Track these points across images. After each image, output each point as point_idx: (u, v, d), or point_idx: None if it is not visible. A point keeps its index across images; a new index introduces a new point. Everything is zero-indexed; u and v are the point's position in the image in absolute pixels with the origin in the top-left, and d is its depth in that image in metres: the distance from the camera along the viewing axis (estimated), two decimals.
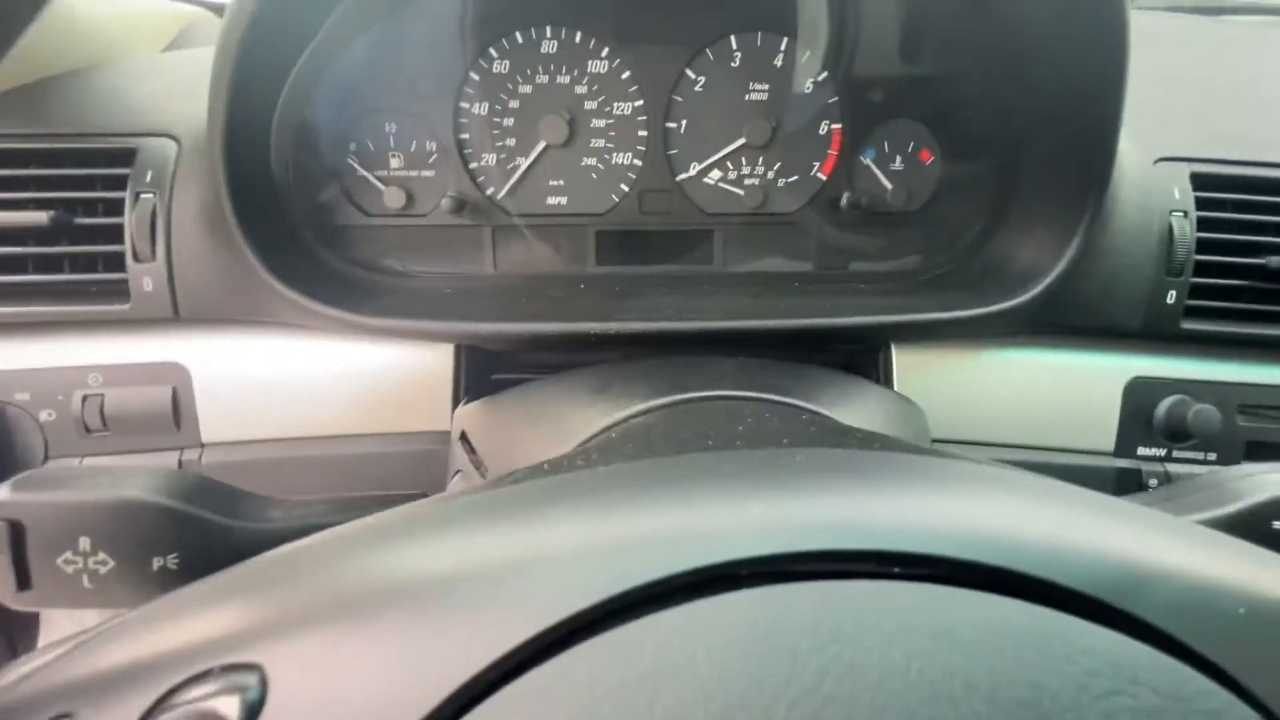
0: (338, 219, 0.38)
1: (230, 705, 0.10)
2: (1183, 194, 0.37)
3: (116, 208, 0.35)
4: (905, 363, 0.40)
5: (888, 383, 0.39)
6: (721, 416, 0.23)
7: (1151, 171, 0.38)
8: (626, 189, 0.40)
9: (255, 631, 0.11)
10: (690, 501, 0.13)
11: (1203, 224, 0.37)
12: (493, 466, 0.29)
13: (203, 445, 0.38)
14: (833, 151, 0.40)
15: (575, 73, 0.38)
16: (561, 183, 0.39)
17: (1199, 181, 0.38)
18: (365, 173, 0.38)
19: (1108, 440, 0.40)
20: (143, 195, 0.34)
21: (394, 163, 0.38)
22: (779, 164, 0.40)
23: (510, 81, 0.38)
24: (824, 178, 0.41)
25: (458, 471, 0.31)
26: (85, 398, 0.36)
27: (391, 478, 0.36)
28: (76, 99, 0.38)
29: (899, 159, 0.41)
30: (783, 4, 0.38)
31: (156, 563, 0.20)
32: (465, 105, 0.38)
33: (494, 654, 0.10)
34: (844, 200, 0.41)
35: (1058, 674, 0.10)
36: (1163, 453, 0.39)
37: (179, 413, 0.37)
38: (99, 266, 0.35)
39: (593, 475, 0.15)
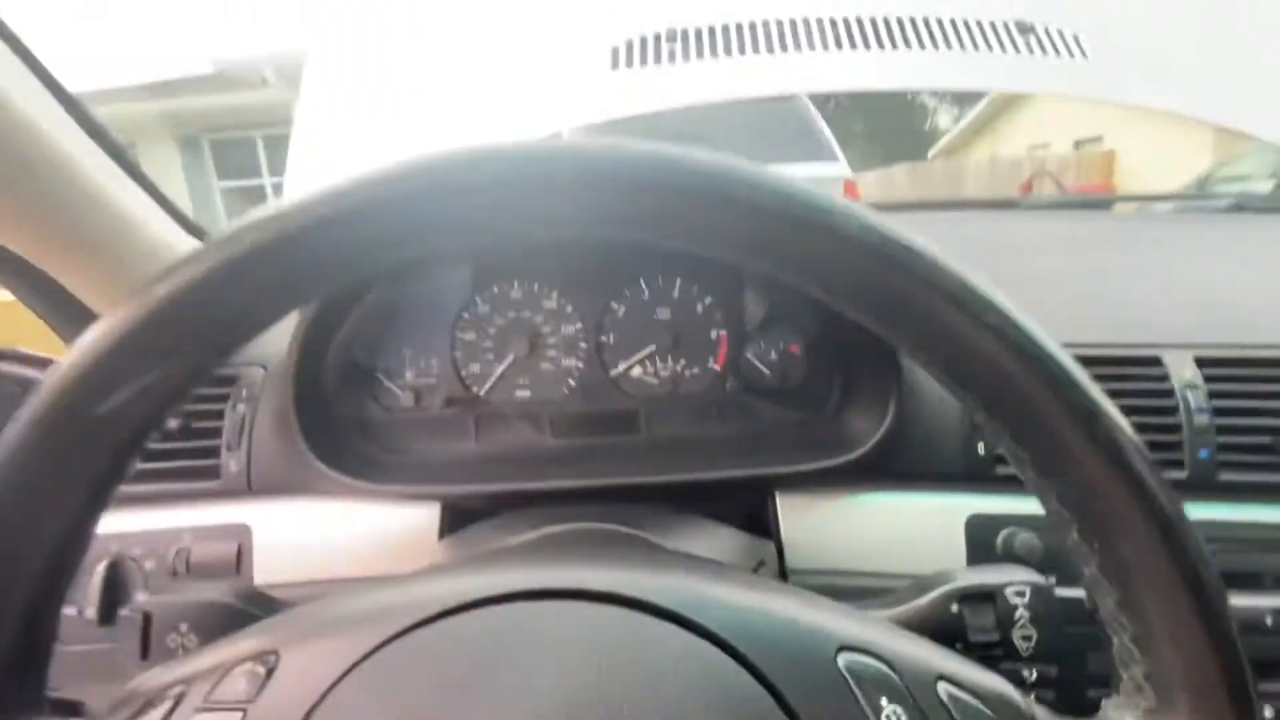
0: (366, 415, 0.54)
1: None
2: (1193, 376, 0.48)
3: (219, 414, 0.52)
4: (789, 505, 0.50)
5: (776, 522, 0.49)
6: (577, 538, 0.35)
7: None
8: (573, 383, 0.55)
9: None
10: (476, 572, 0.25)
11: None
12: None
13: (256, 587, 0.50)
14: (721, 350, 0.55)
15: (534, 308, 0.56)
16: (525, 381, 0.55)
17: (1203, 364, 0.48)
18: (389, 384, 0.54)
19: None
20: (238, 406, 0.51)
21: (409, 375, 0.55)
22: (683, 360, 0.55)
23: (490, 317, 0.56)
24: (718, 369, 0.55)
25: None
26: (177, 551, 0.50)
27: None
28: None
29: (773, 353, 0.55)
30: (676, 259, 0.56)
31: None
32: (459, 334, 0.55)
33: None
34: (730, 384, 0.55)
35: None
36: None
37: (240, 561, 0.50)
38: (201, 455, 0.51)
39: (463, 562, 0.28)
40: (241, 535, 0.50)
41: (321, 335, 0.51)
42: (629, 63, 1.04)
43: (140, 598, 0.33)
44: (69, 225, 0.46)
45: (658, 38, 1.06)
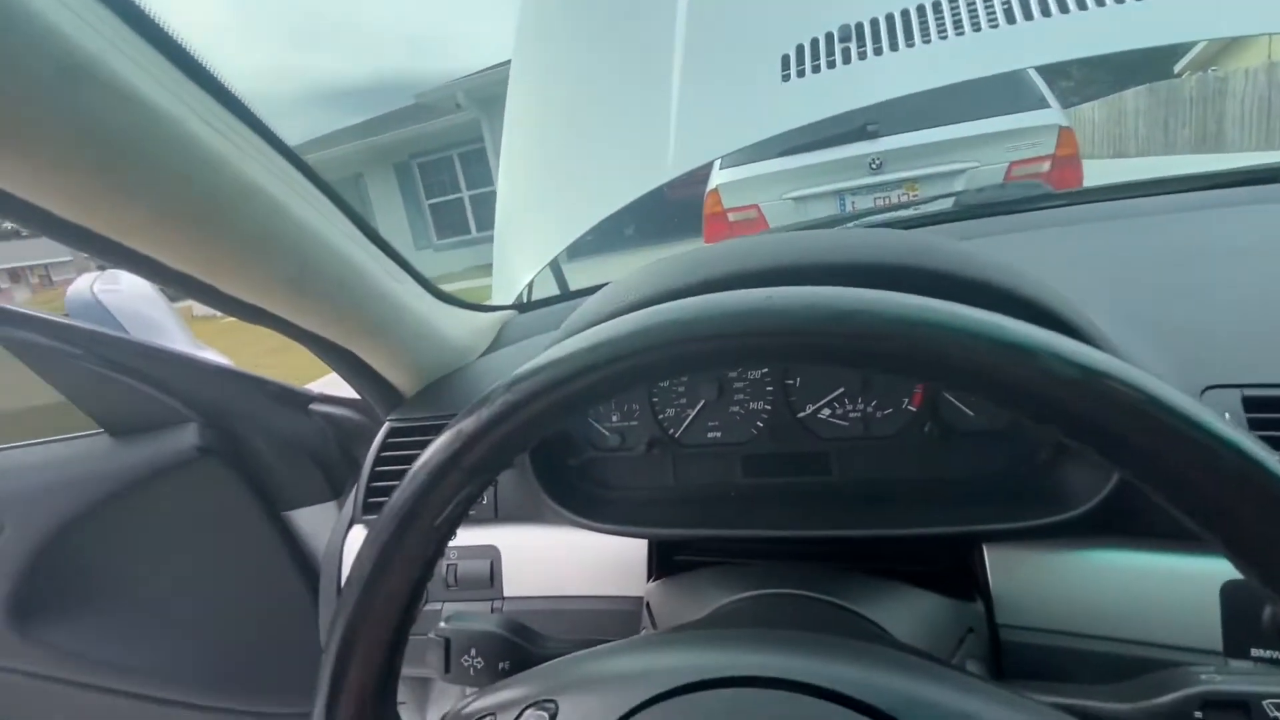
0: (583, 455, 0.62)
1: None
2: (1235, 418, 0.42)
3: None
4: (999, 558, 0.48)
5: (985, 577, 0.47)
6: (791, 606, 0.38)
7: (1202, 400, 0.44)
8: (761, 425, 0.57)
9: None
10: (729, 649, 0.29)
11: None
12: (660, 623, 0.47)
13: (504, 598, 0.61)
14: (918, 390, 0.53)
15: None
16: (716, 423, 0.59)
17: (1251, 404, 0.43)
18: (599, 427, 0.62)
19: (1213, 640, 0.42)
20: None
21: (614, 418, 0.61)
22: (875, 401, 0.54)
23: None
24: (914, 409, 0.54)
25: (644, 628, 0.49)
26: (448, 566, 0.62)
27: (603, 621, 0.55)
28: (451, 393, 0.70)
29: None
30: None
31: (501, 665, 0.41)
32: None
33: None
34: (929, 426, 0.53)
35: None
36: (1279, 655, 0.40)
37: (493, 576, 0.61)
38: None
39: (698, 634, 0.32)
40: (492, 555, 0.61)
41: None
42: (800, 71, 1.02)
43: (441, 625, 0.44)
44: (354, 315, 0.59)
45: (829, 38, 1.03)
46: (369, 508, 0.65)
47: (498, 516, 0.60)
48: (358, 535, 0.65)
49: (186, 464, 0.73)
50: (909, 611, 0.42)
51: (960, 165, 2.89)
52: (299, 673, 0.79)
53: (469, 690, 0.43)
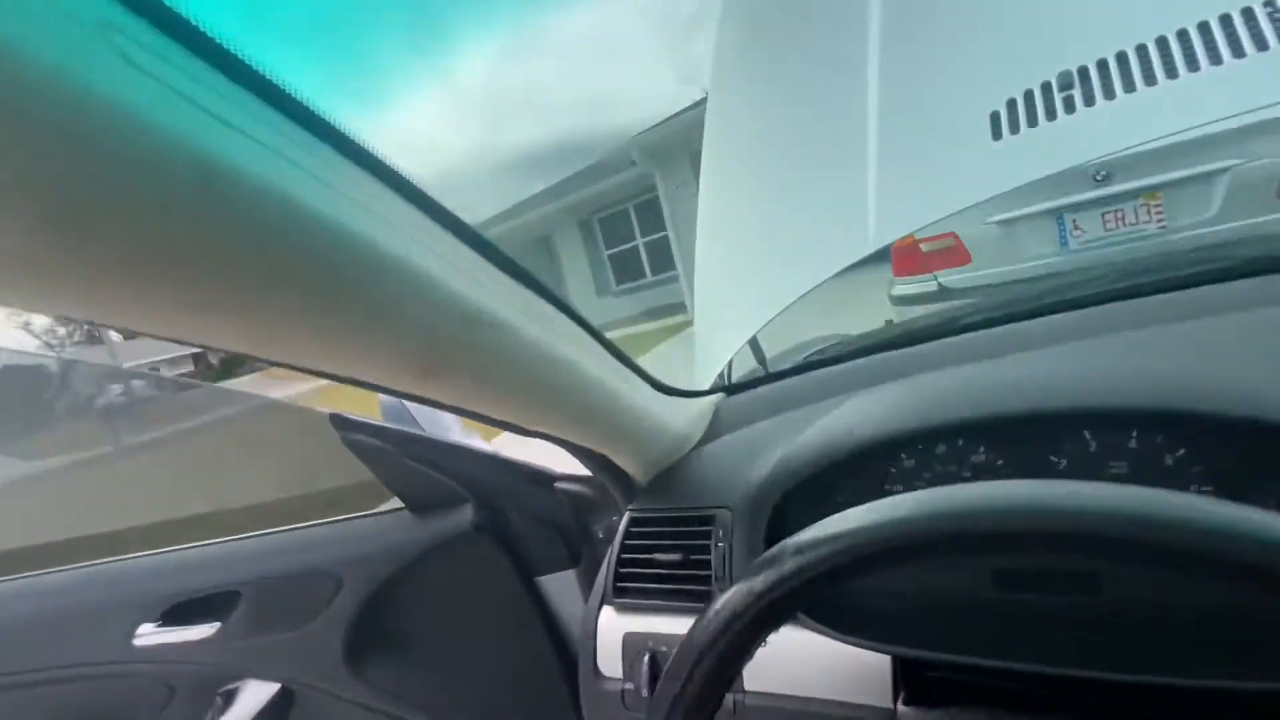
0: None
1: None
2: None
3: (705, 549, 0.68)
4: None
5: None
6: None
7: None
8: None
9: None
10: None
11: None
12: None
13: (745, 691, 0.64)
14: None
15: (961, 462, 0.58)
16: None
17: None
18: None
19: None
20: (719, 544, 0.66)
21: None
22: None
23: (917, 472, 0.60)
24: None
25: None
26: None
27: None
28: (682, 483, 0.76)
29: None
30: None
31: None
32: (889, 488, 0.61)
33: None
34: None
35: None
36: None
37: None
38: (698, 581, 0.67)
39: None
40: None
41: (776, 484, 0.63)
42: (1014, 127, 0.97)
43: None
44: (591, 419, 0.67)
45: (1046, 88, 0.96)
46: (619, 591, 0.73)
47: None
48: (609, 617, 0.74)
49: (464, 536, 0.88)
50: None
51: (1220, 164, 2.29)
52: (549, 713, 0.89)
53: None
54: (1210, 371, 0.45)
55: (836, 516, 0.32)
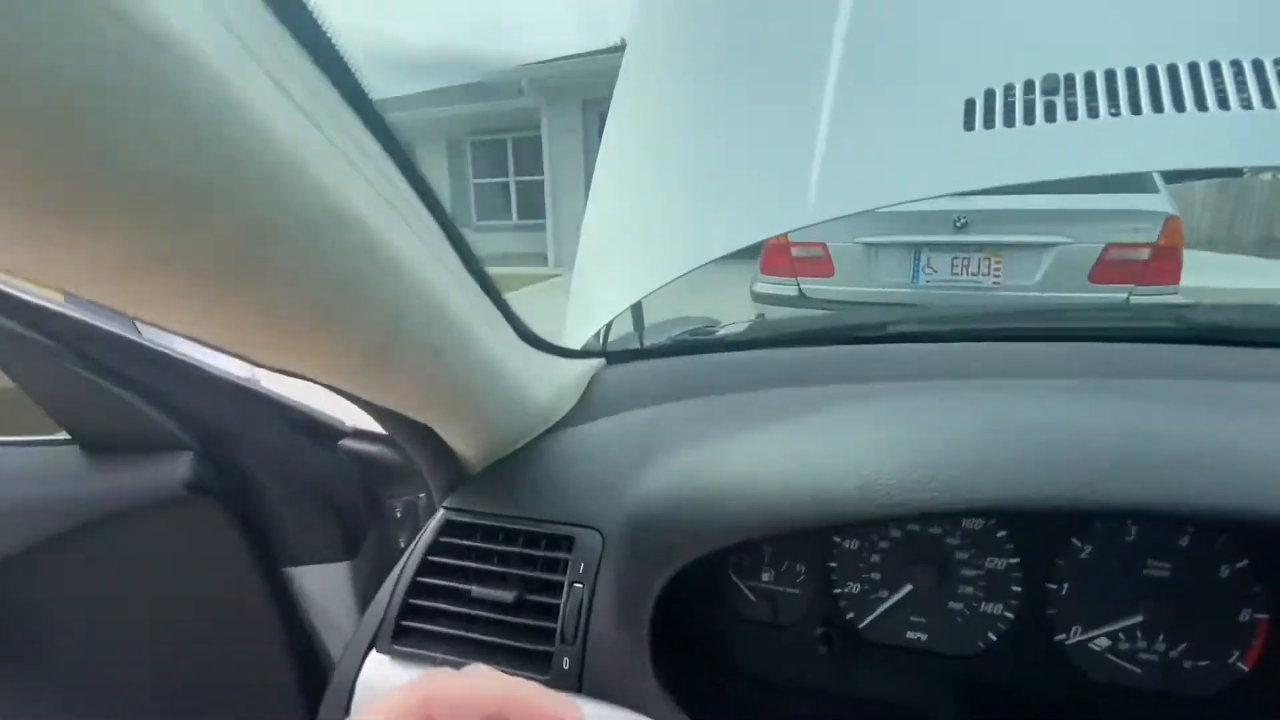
0: (711, 620, 0.44)
1: None
2: None
3: (555, 586, 0.45)
4: None
5: None
6: None
7: None
8: (994, 638, 0.39)
9: None
10: None
11: None
12: None
13: None
14: (1256, 642, 0.35)
15: (948, 525, 0.41)
16: (924, 620, 0.40)
17: None
18: (738, 581, 0.44)
19: None
20: (575, 585, 0.44)
21: (765, 576, 0.43)
22: (1184, 645, 0.36)
23: (884, 526, 0.42)
24: (1246, 668, 0.35)
25: None
26: None
27: None
28: (533, 477, 0.52)
29: None
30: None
31: None
32: (838, 539, 0.43)
33: None
34: (1264, 695, 0.34)
35: None
36: None
37: None
38: (534, 639, 0.44)
39: None
40: None
41: (687, 533, 0.42)
42: (988, 122, 0.84)
43: None
44: (441, 388, 0.41)
45: (1029, 87, 0.84)
46: (401, 631, 0.48)
47: (582, 688, 0.42)
48: (379, 667, 0.48)
49: (171, 501, 0.57)
50: None
51: (1052, 239, 2.62)
52: None
53: None
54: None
55: None
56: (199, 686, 0.65)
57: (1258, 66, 0.73)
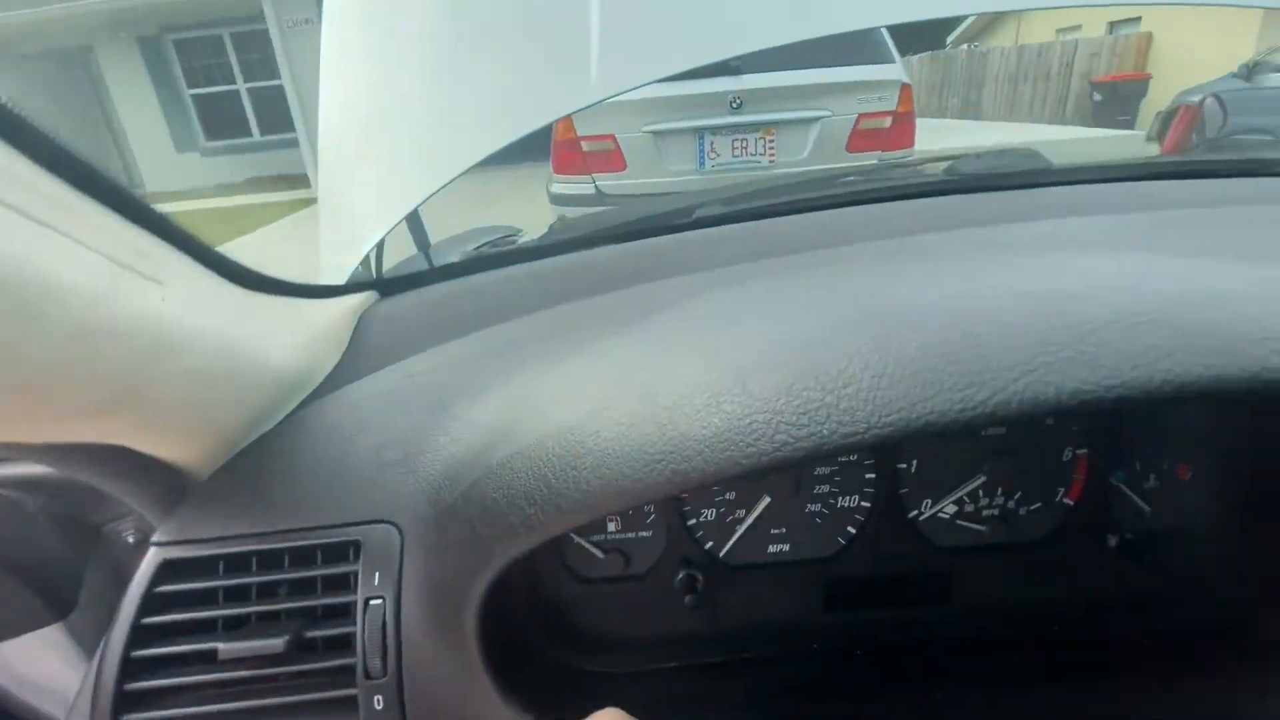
0: (553, 592, 0.37)
1: None
2: None
3: (344, 610, 0.34)
4: None
5: None
6: None
7: None
8: (854, 531, 0.37)
9: None
10: None
11: None
12: None
13: None
14: (1078, 476, 0.37)
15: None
16: (784, 530, 0.37)
17: None
18: (582, 541, 0.37)
19: None
20: (372, 602, 0.33)
21: (610, 527, 0.37)
22: (1019, 493, 0.37)
23: None
24: (1070, 503, 0.37)
25: None
26: None
27: None
28: (278, 476, 0.38)
29: (1153, 477, 0.37)
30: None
31: None
32: None
33: None
34: (1104, 534, 0.37)
35: None
36: None
37: None
38: (327, 685, 0.34)
39: None
40: None
41: (508, 519, 0.33)
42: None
43: None
44: (105, 384, 0.26)
45: None
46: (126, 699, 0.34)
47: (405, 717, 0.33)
48: None
49: None
50: None
51: (814, 113, 2.82)
52: None
53: None
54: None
55: None
56: None
57: None
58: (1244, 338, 0.20)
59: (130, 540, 0.53)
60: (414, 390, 0.41)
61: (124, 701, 0.33)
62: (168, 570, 0.35)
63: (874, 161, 2.94)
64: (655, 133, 2.97)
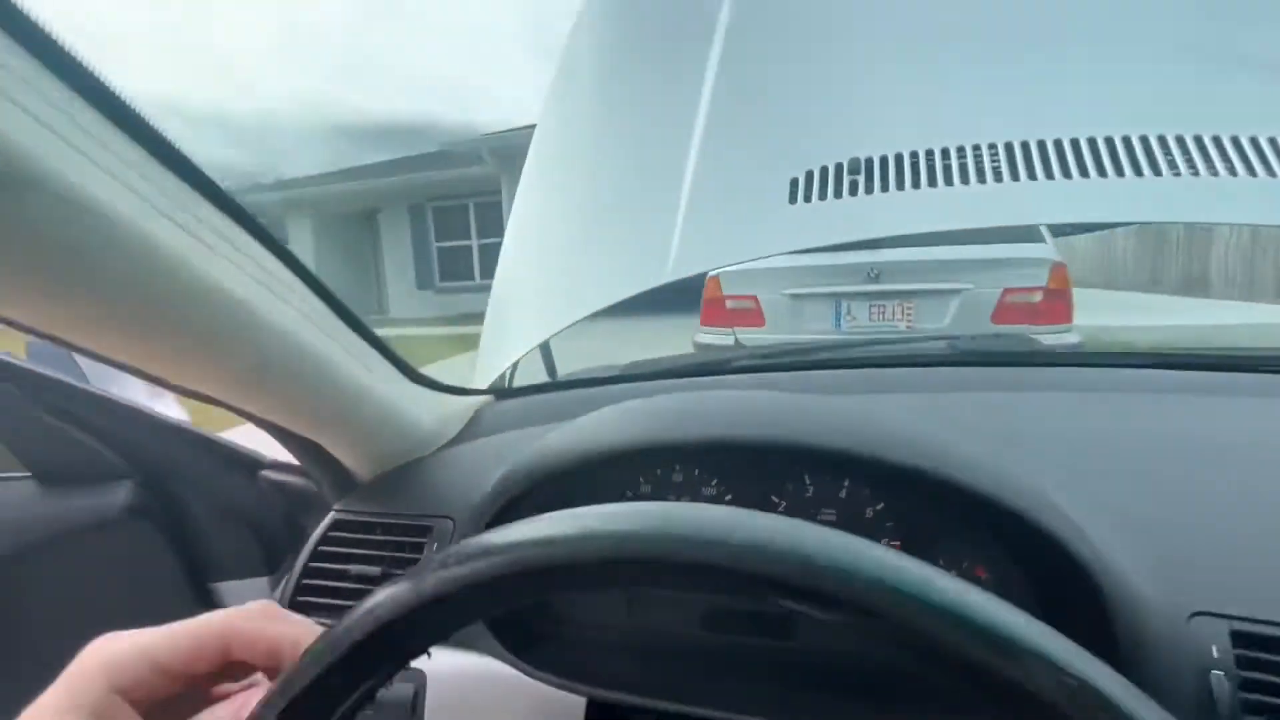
0: None
1: None
2: (1222, 653, 0.39)
3: (412, 564, 0.58)
4: None
5: None
6: None
7: (1185, 629, 0.41)
8: None
9: None
10: None
11: (1245, 685, 0.38)
12: None
13: None
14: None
15: (693, 494, 0.56)
16: None
17: (1240, 640, 0.40)
18: None
19: None
20: None
21: None
22: None
23: (651, 498, 0.57)
24: None
25: None
26: None
27: None
28: (410, 485, 0.66)
29: (954, 574, 0.49)
30: (849, 462, 0.53)
31: None
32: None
33: None
34: None
35: None
36: None
37: (415, 707, 0.55)
38: None
39: None
40: (418, 682, 0.56)
41: (498, 493, 0.56)
42: (807, 196, 1.04)
43: None
44: (315, 405, 0.56)
45: (839, 169, 1.05)
46: (296, 604, 0.60)
47: None
48: None
49: (114, 523, 0.68)
50: None
51: (956, 285, 2.90)
52: None
53: None
54: (920, 432, 0.48)
55: (518, 524, 0.25)
56: None
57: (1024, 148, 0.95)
58: None
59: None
60: (489, 448, 0.66)
61: (301, 590, 0.60)
62: (335, 524, 0.63)
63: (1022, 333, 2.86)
64: (794, 296, 3.09)
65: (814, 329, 3.08)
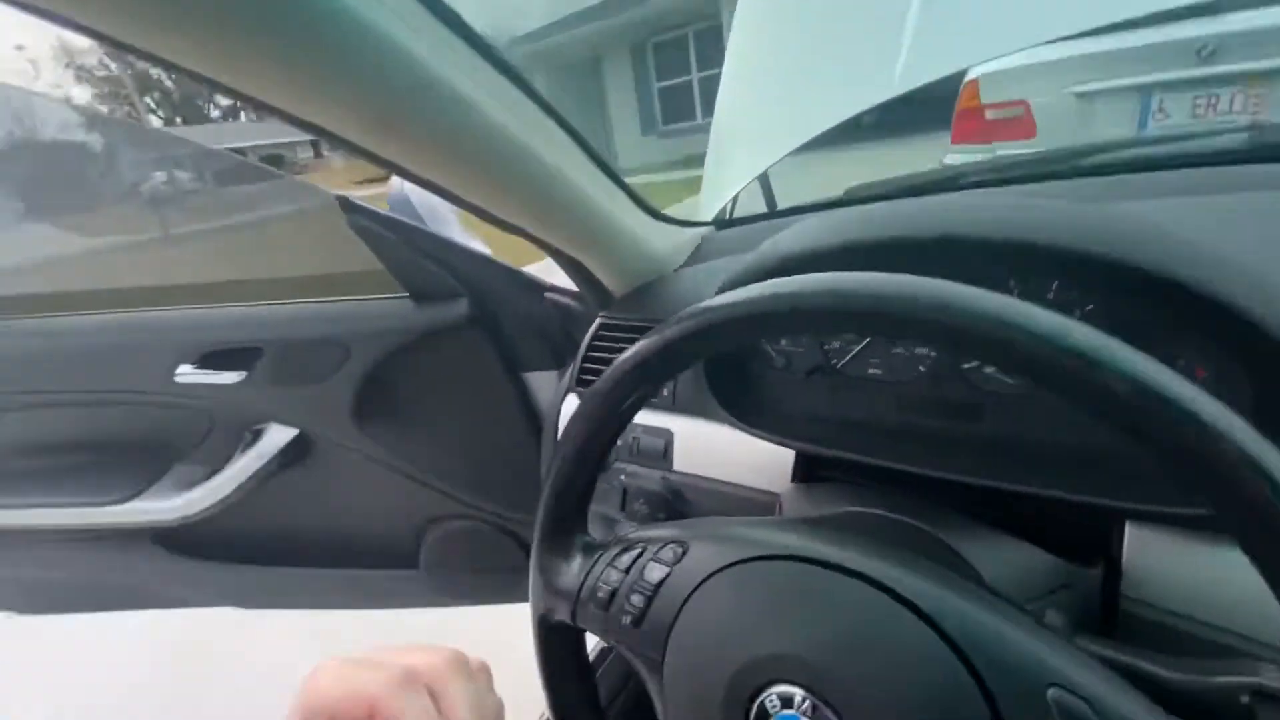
0: (750, 369, 0.71)
1: None
2: None
3: None
4: (1137, 535, 0.47)
5: (1118, 549, 0.48)
6: (892, 528, 0.45)
7: None
8: (923, 369, 0.60)
9: None
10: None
11: None
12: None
13: (673, 471, 0.75)
14: None
15: None
16: (879, 360, 0.63)
17: None
18: (768, 348, 0.69)
19: None
20: None
21: (782, 341, 0.68)
22: None
23: None
24: None
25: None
26: (633, 438, 0.78)
27: (744, 505, 0.67)
28: (654, 298, 0.82)
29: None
30: (1054, 263, 0.52)
31: (659, 515, 0.55)
32: None
33: None
34: None
35: None
36: None
37: (666, 452, 0.75)
38: None
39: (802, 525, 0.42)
40: (667, 436, 0.74)
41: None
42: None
43: (622, 478, 0.58)
44: (578, 230, 0.72)
45: None
46: (581, 383, 0.83)
47: (675, 406, 0.73)
48: (571, 403, 0.84)
49: (459, 326, 0.97)
50: (1003, 558, 0.46)
51: None
52: (522, 489, 1.05)
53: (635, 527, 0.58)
54: (1145, 230, 0.46)
55: (718, 298, 0.37)
56: (479, 439, 1.09)
57: None
58: None
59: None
60: (714, 270, 0.78)
61: (578, 383, 0.83)
62: (603, 327, 0.83)
63: None
64: (1080, 95, 2.43)
65: (1104, 135, 2.39)
